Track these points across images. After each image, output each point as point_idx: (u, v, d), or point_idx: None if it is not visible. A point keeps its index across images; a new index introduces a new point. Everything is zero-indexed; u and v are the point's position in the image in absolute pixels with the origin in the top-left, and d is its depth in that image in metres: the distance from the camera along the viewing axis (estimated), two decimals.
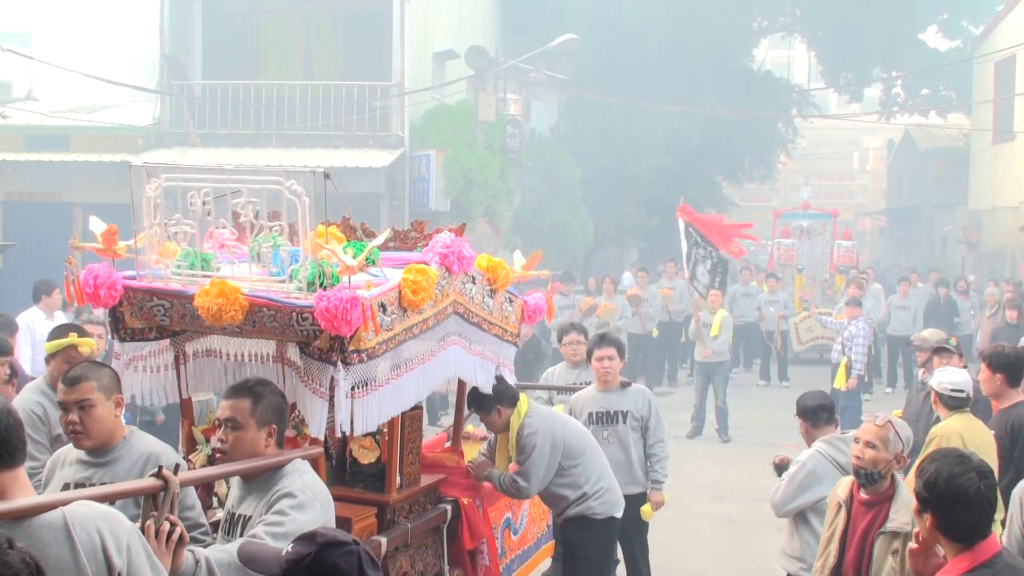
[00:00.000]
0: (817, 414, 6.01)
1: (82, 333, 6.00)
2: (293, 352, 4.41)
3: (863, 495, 4.88)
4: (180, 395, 4.84)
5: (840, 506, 4.97)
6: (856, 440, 4.89)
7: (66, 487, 4.10)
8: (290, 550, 2.73)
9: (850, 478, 5.01)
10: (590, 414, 7.06)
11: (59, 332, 5.97)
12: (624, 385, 7.25)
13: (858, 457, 4.83)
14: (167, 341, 4.69)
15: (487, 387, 5.49)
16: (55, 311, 10.33)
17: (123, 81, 19.05)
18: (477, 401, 5.99)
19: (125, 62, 24.61)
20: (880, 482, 4.80)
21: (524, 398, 6.22)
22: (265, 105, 18.28)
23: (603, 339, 7.35)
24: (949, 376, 6.47)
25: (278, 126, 18.26)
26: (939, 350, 7.95)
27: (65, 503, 2.90)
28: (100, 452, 4.22)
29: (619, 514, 6.47)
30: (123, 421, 4.39)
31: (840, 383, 13.70)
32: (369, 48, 18.73)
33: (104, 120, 19.07)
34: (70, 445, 4.33)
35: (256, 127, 18.30)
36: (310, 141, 18.25)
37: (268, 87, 18.42)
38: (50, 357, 5.82)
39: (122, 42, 25.72)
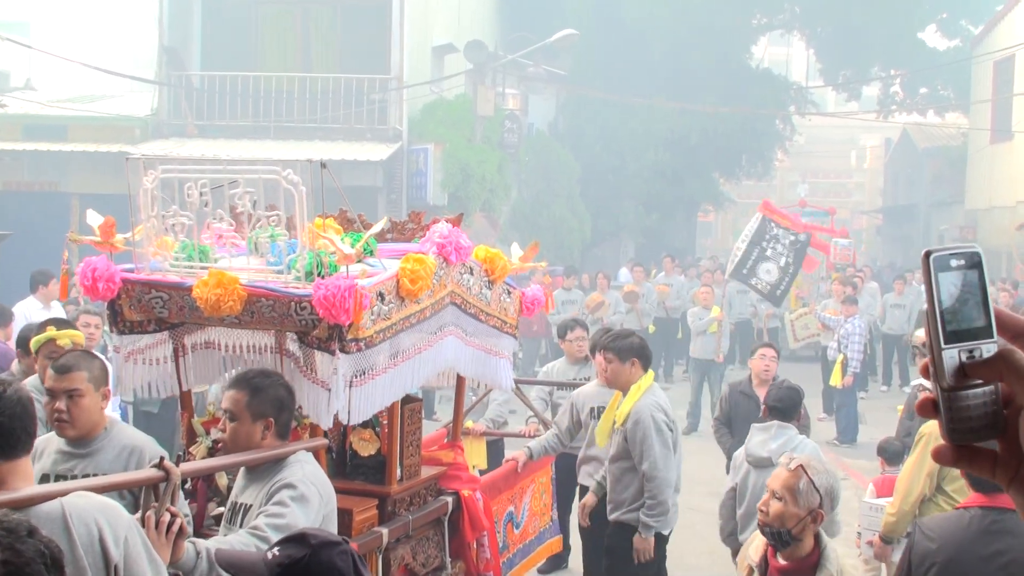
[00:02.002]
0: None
1: (61, 325, 5.99)
2: (292, 343, 4.41)
3: (779, 560, 3.97)
4: (180, 387, 4.84)
5: (752, 570, 4.10)
6: (767, 488, 4.07)
7: (45, 478, 4.10)
8: (278, 553, 2.70)
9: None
10: (591, 409, 7.04)
11: (40, 328, 5.96)
12: None
13: (763, 511, 3.94)
14: (166, 333, 4.69)
15: (492, 380, 5.51)
16: (52, 301, 10.32)
17: (121, 71, 19.03)
18: (615, 345, 6.26)
19: (124, 52, 24.58)
20: (794, 544, 3.89)
21: (651, 374, 6.42)
22: (263, 97, 18.28)
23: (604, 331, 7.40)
24: None
25: (276, 118, 18.24)
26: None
27: (64, 494, 2.91)
28: (82, 443, 4.22)
29: (668, 531, 6.51)
30: (110, 411, 4.40)
31: (836, 380, 13.73)
32: (368, 41, 18.73)
33: (102, 110, 19.03)
34: (48, 435, 4.32)
35: (254, 119, 18.29)
36: (308, 134, 18.24)
37: (267, 79, 18.40)
38: (36, 354, 5.79)
39: (121, 32, 25.68)
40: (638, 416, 6.16)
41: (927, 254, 1.08)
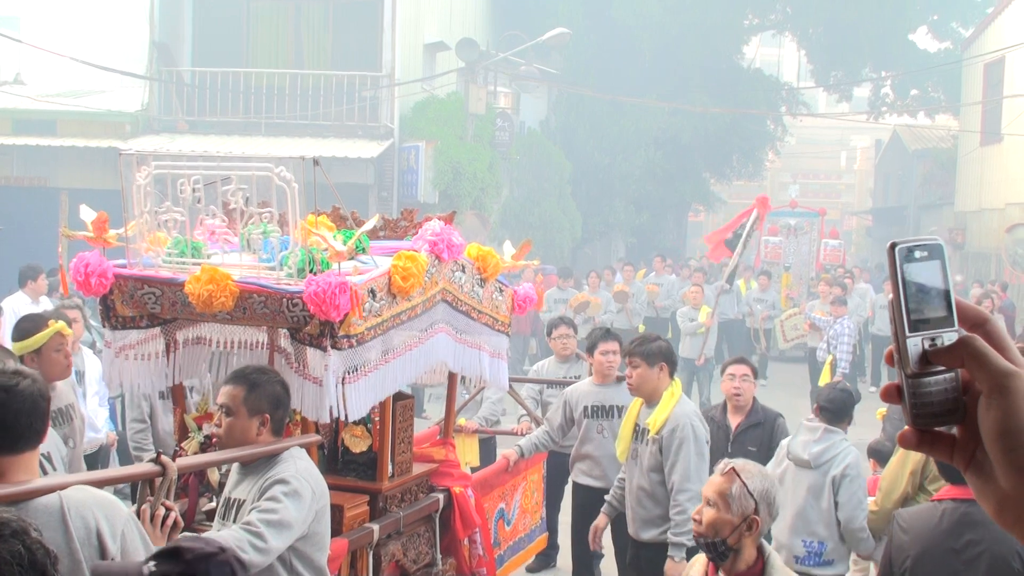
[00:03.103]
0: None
1: (53, 318, 5.94)
2: (284, 339, 4.42)
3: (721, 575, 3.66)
4: (171, 383, 4.84)
5: None
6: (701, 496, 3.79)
7: None
8: (154, 569, 2.69)
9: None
10: (585, 407, 7.03)
11: (37, 324, 5.62)
12: (620, 379, 7.11)
13: (696, 520, 3.64)
14: (158, 329, 4.69)
15: (491, 378, 5.51)
16: (41, 296, 10.29)
17: (112, 67, 18.96)
18: (643, 349, 5.95)
19: (114, 47, 24.47)
20: (732, 555, 3.57)
21: (679, 381, 6.18)
22: (255, 93, 18.24)
23: (608, 334, 7.32)
24: None
25: (267, 115, 18.21)
26: None
27: (63, 488, 2.91)
28: None
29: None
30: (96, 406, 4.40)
31: (825, 381, 13.76)
32: (360, 38, 18.71)
33: (92, 105, 18.97)
34: None
35: (245, 115, 18.26)
36: (299, 130, 18.21)
37: (258, 75, 18.37)
38: (34, 353, 5.43)
39: (111, 27, 25.58)
40: (676, 423, 5.85)
41: (892, 245, 1.13)
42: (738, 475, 3.58)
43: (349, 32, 18.97)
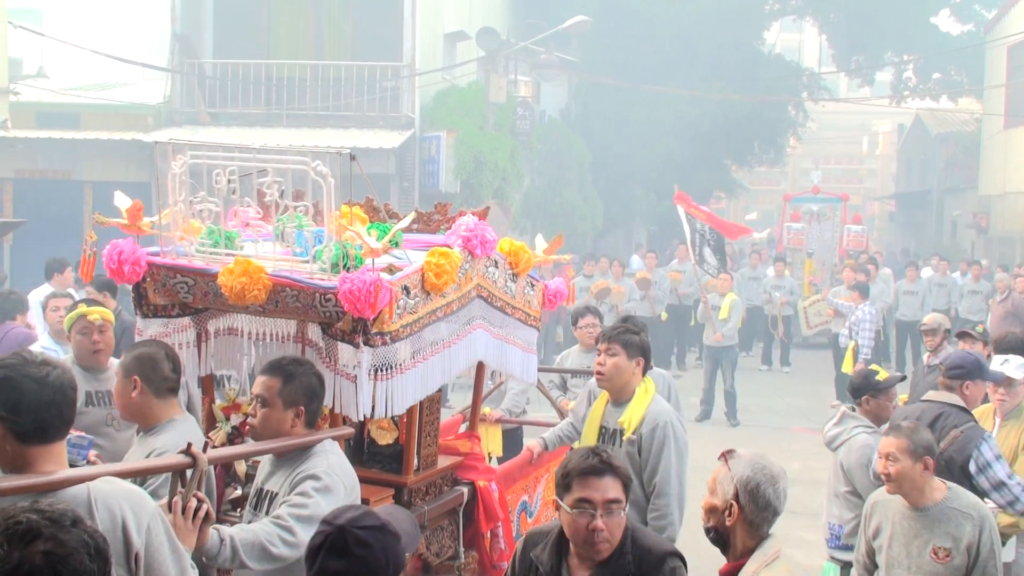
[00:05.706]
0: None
1: (92, 304, 6.03)
2: (314, 332, 4.42)
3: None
4: (202, 373, 4.86)
5: None
6: None
7: None
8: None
9: None
10: None
11: (72, 307, 6.03)
12: None
13: (704, 508, 3.53)
14: (189, 319, 4.71)
15: (518, 373, 5.49)
16: (67, 289, 10.33)
17: (134, 59, 19.01)
18: (625, 339, 5.45)
19: (136, 40, 24.55)
20: (727, 547, 3.42)
21: (651, 379, 5.68)
22: (276, 85, 18.27)
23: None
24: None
25: (288, 106, 18.23)
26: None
27: (92, 479, 2.92)
28: (147, 431, 4.26)
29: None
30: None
31: (848, 367, 13.70)
32: (380, 28, 18.71)
33: (115, 98, 19.07)
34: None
35: (266, 107, 18.30)
36: (320, 121, 18.24)
37: (279, 67, 18.39)
38: (68, 331, 5.80)
39: (133, 20, 25.67)
40: (655, 423, 5.38)
41: None
42: (726, 460, 3.43)
43: (369, 22, 18.96)
